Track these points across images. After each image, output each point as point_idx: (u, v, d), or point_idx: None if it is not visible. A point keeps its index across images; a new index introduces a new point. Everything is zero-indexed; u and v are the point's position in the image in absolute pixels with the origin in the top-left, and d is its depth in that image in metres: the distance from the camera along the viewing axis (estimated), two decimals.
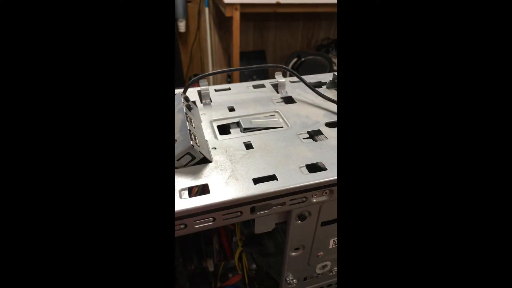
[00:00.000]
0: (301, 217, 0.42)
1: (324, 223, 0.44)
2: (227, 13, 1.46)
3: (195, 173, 0.38)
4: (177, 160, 0.38)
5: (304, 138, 0.45)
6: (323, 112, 0.52)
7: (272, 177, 0.37)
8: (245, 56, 1.90)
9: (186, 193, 0.35)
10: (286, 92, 0.58)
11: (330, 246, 0.48)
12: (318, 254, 0.48)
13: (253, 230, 0.44)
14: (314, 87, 0.56)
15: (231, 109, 0.52)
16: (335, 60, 1.94)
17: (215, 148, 0.43)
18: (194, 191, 0.36)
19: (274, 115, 0.52)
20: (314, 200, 0.39)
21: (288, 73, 0.57)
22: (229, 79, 1.90)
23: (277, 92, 0.58)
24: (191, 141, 0.37)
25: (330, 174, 0.38)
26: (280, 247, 0.52)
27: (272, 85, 0.61)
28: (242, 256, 0.54)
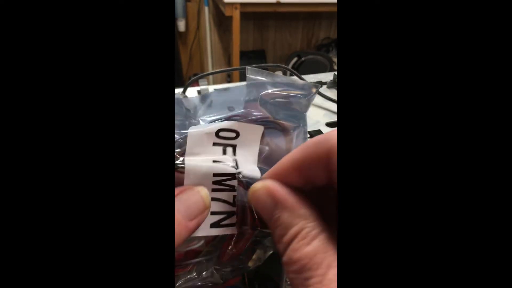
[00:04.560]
0: None
1: None
2: (227, 13, 1.46)
3: None
4: None
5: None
6: (323, 112, 0.52)
7: None
8: (245, 56, 1.90)
9: None
10: None
11: None
12: None
13: None
14: None
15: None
16: (335, 60, 1.94)
17: None
18: None
19: None
20: None
21: (288, 72, 0.57)
22: (229, 79, 1.89)
23: None
24: None
25: None
26: None
27: None
28: None
